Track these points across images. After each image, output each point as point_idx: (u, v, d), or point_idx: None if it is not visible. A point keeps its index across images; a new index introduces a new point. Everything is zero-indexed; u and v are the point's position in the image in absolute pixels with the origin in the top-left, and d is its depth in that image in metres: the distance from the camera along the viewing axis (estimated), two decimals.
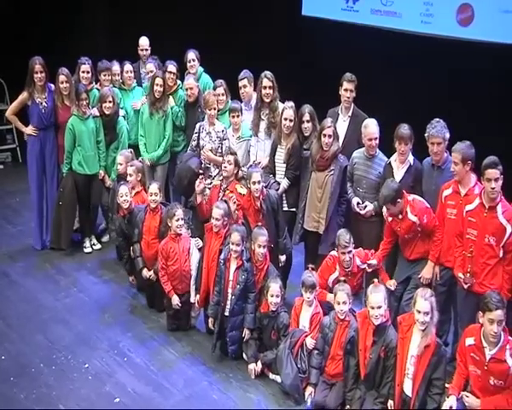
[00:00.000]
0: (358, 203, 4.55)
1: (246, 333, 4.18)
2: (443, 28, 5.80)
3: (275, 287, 4.05)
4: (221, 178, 4.87)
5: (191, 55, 5.76)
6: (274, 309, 4.08)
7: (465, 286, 3.81)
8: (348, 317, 3.90)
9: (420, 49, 5.77)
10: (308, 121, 4.72)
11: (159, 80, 5.39)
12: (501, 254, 3.75)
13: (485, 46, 5.42)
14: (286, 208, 4.84)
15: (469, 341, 3.42)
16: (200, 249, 4.61)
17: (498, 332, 3.27)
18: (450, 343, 4.18)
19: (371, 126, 4.49)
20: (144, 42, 6.13)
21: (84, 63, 5.45)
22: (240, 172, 5.03)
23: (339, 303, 3.88)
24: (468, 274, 3.79)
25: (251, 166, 4.77)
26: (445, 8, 5.80)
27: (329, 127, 4.51)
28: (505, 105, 5.23)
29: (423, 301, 3.50)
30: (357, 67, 5.51)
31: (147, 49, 6.13)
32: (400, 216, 4.09)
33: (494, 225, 3.74)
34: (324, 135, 4.49)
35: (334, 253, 4.26)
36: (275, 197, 4.57)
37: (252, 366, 4.12)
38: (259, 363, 4.13)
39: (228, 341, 4.19)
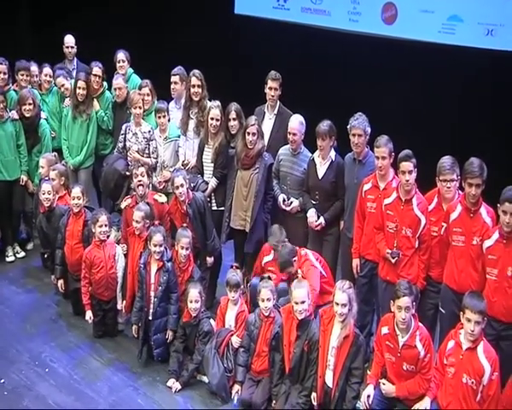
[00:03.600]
0: (284, 200, 4.59)
1: (169, 335, 4.13)
2: (369, 26, 5.96)
3: (193, 292, 3.99)
4: (133, 194, 4.68)
5: (121, 55, 5.65)
6: (195, 315, 4.01)
7: (393, 260, 3.87)
8: (273, 313, 3.92)
9: (348, 47, 5.89)
10: (234, 119, 4.70)
11: (81, 83, 5.25)
12: (416, 245, 3.87)
13: (408, 43, 5.60)
14: (215, 207, 4.81)
15: (384, 330, 3.52)
16: (126, 255, 4.52)
17: (406, 319, 3.37)
18: (375, 333, 4.27)
19: (292, 121, 4.53)
20: (69, 39, 5.97)
21: (1, 63, 5.23)
22: (168, 173, 4.98)
23: (263, 300, 3.89)
24: (395, 248, 3.86)
25: (174, 170, 4.70)
26: (371, 6, 5.96)
27: (253, 125, 4.50)
28: (427, 99, 5.42)
29: (341, 294, 3.56)
30: (287, 64, 5.58)
31: (72, 47, 5.98)
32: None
33: (410, 218, 3.85)
34: (248, 133, 4.49)
35: None
36: (201, 200, 4.53)
37: (170, 383, 4.01)
38: (177, 384, 3.99)
39: (153, 344, 4.13)
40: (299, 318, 3.74)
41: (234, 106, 4.73)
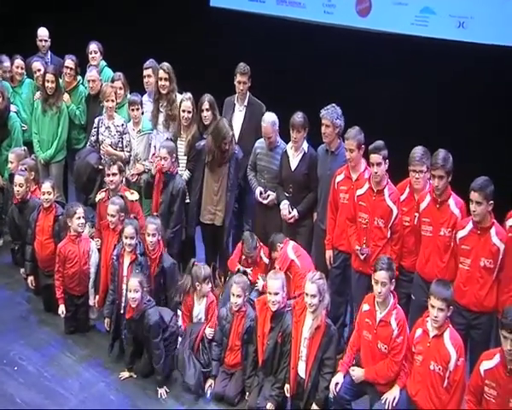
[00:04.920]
0: (261, 193, 4.57)
1: None
2: (344, 18, 5.96)
3: (133, 282, 3.79)
4: (106, 187, 4.61)
5: (93, 46, 5.59)
6: (134, 306, 3.80)
7: (362, 257, 3.88)
8: (244, 307, 3.88)
9: (323, 39, 5.89)
10: (208, 110, 4.65)
11: (50, 76, 5.14)
12: (388, 235, 3.88)
13: (382, 36, 5.62)
14: (188, 200, 4.75)
15: (365, 307, 3.51)
16: (99, 250, 4.45)
17: (382, 292, 3.35)
18: (348, 324, 4.29)
19: (266, 125, 4.46)
20: (43, 32, 5.86)
21: None
22: (141, 166, 4.92)
23: (233, 295, 3.85)
24: (364, 245, 3.88)
25: (165, 139, 4.71)
26: None
27: (231, 136, 4.47)
28: (401, 90, 5.43)
29: (310, 284, 3.54)
30: (262, 56, 5.55)
31: (46, 40, 5.87)
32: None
33: (382, 208, 3.86)
34: (225, 143, 4.44)
35: None
36: (179, 185, 4.51)
37: (126, 374, 3.98)
38: (125, 373, 4.00)
39: (124, 339, 4.06)
40: (273, 309, 3.72)
41: (207, 97, 4.68)
